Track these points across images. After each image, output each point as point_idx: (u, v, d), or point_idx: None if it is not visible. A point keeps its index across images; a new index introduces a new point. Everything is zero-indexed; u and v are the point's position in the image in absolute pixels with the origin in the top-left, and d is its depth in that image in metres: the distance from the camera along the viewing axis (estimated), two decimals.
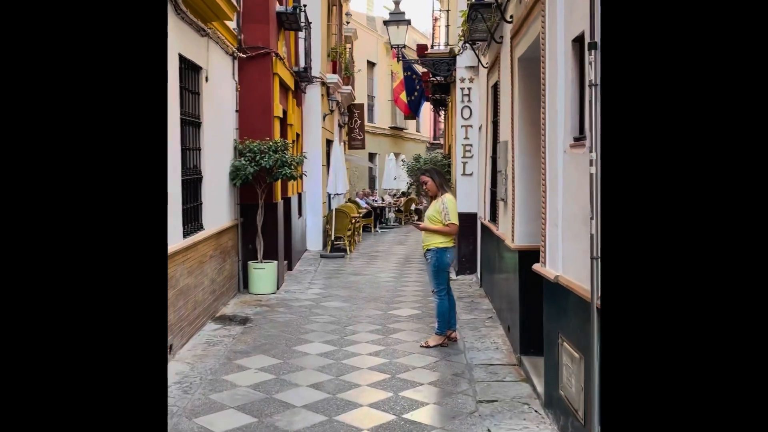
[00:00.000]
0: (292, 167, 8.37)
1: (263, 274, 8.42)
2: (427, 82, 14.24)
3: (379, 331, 6.50)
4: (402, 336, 6.32)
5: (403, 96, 17.48)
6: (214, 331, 6.42)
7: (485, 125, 8.07)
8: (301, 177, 8.72)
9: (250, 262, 8.49)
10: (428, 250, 5.86)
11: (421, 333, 6.43)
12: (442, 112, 18.71)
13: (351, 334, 6.41)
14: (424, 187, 6.03)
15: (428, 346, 5.83)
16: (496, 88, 7.12)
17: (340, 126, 17.37)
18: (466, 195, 9.89)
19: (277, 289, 8.74)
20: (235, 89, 8.42)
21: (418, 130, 29.85)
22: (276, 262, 8.65)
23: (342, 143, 14.70)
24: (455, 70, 10.05)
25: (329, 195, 14.27)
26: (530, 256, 4.99)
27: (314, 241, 13.71)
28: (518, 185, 5.19)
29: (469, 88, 9.78)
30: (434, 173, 5.95)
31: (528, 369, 4.94)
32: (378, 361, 5.44)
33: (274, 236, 8.86)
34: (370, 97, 24.39)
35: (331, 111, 14.50)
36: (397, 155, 22.42)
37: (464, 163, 9.87)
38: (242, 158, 8.17)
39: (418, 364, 5.36)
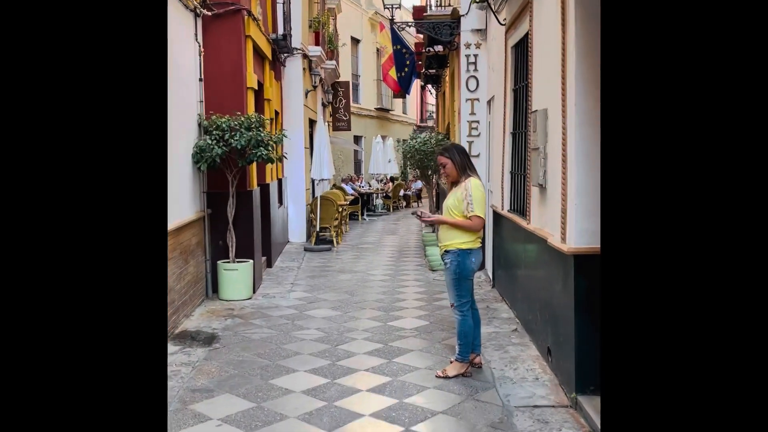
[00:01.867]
0: (269, 148, 6.94)
1: (236, 276, 7.01)
2: (420, 54, 12.82)
3: (381, 353, 5.15)
4: (410, 360, 4.97)
5: (393, 72, 15.97)
6: (169, 357, 5.02)
7: (502, 95, 6.71)
8: (280, 160, 7.32)
9: (219, 263, 7.09)
10: (447, 251, 4.50)
11: (433, 354, 5.09)
12: (433, 91, 17.30)
13: (345, 357, 5.05)
14: (442, 171, 4.65)
15: (447, 377, 4.49)
16: (522, 47, 5.75)
17: (323, 105, 15.90)
18: None
19: (254, 293, 7.36)
20: (198, 53, 6.95)
21: (404, 112, 28.42)
22: (251, 261, 7.24)
23: (326, 124, 13.31)
24: (459, 34, 8.66)
25: (313, 181, 12.85)
26: (592, 263, 3.67)
27: (297, 232, 12.31)
28: (575, 166, 3.84)
29: (475, 56, 8.41)
30: (455, 152, 4.57)
31: (591, 416, 3.63)
32: (383, 402, 4.09)
33: (249, 230, 7.45)
34: (355, 76, 22.88)
35: (314, 87, 13.03)
36: (384, 138, 21.00)
37: (470, 143, 8.53)
38: (208, 137, 6.73)
39: (437, 407, 4.01)
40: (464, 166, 4.52)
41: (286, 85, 11.94)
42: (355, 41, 23.03)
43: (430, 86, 17.24)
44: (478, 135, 8.48)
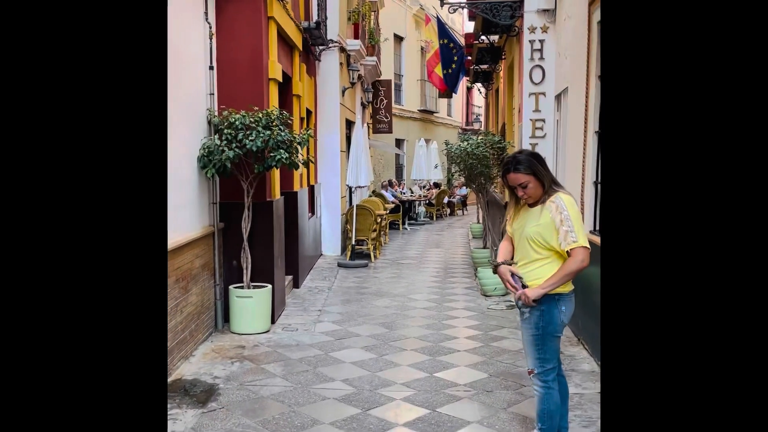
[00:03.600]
0: (292, 150, 5.72)
1: (250, 305, 5.81)
2: (470, 47, 11.47)
3: (426, 424, 3.84)
4: None
5: (438, 69, 14.68)
6: None
7: (582, 85, 5.32)
8: (306, 164, 6.10)
9: (232, 288, 5.90)
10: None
11: (499, 422, 3.76)
12: (482, 90, 15.92)
13: (378, 430, 3.76)
14: (522, 193, 3.24)
15: None
16: None
17: (362, 105, 14.69)
18: None
19: (273, 323, 6.15)
20: (209, 36, 5.79)
21: (449, 114, 27.04)
22: (269, 286, 6.03)
23: (365, 125, 12.12)
24: (521, 17, 7.30)
25: (350, 188, 11.65)
26: None
27: (331, 245, 11.11)
28: None
29: (541, 41, 7.04)
30: (536, 163, 3.16)
31: None
32: None
33: (268, 248, 6.25)
34: (398, 76, 21.64)
35: (352, 84, 11.81)
36: (427, 141, 19.69)
37: (533, 146, 7.15)
38: (218, 137, 5.56)
39: None
40: (551, 180, 3.17)
41: (320, 82, 10.77)
42: (398, 39, 21.79)
43: (478, 85, 15.83)
44: (544, 136, 7.10)
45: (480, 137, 8.22)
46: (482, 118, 28.96)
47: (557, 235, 3.03)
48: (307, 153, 8.95)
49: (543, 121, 7.08)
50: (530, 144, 7.16)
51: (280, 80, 6.75)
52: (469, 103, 29.47)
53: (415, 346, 5.53)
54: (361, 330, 6.07)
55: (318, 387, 4.49)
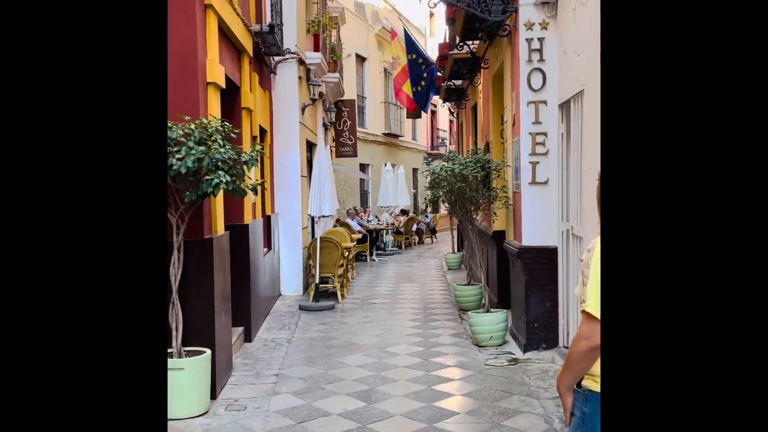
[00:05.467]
0: (236, 171, 4.35)
1: (182, 380, 4.34)
2: (444, 59, 10.32)
3: None
4: None
5: (407, 87, 13.52)
6: None
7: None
8: (255, 190, 4.71)
9: None
10: (578, 389, 1.98)
11: None
12: (454, 110, 14.81)
13: None
14: None
15: None
16: None
17: (325, 126, 13.41)
18: (537, 218, 5.94)
19: (214, 397, 4.70)
20: None
21: (414, 138, 25.98)
22: (208, 352, 4.59)
23: (328, 148, 10.82)
24: (515, 11, 6.14)
25: (312, 218, 10.28)
26: None
27: (292, 283, 9.69)
28: None
29: (540, 39, 5.88)
30: None
31: None
32: None
33: (207, 298, 4.81)
34: (361, 98, 20.48)
35: (313, 101, 10.52)
36: (393, 166, 18.50)
37: (533, 165, 5.94)
38: None
39: None
40: None
41: (277, 97, 9.45)
42: (361, 59, 20.67)
43: (449, 105, 14.72)
44: (546, 153, 5.90)
45: (468, 156, 6.97)
46: (447, 142, 28.05)
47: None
48: (261, 176, 7.58)
49: (545, 135, 5.88)
50: (529, 163, 5.95)
51: (223, 86, 5.39)
52: (434, 127, 28.54)
53: (404, 430, 4.15)
54: (331, 405, 4.65)
55: None
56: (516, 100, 6.15)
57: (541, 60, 5.88)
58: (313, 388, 5.06)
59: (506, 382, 5.13)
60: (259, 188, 4.75)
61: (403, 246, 17.98)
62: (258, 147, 4.55)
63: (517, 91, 6.06)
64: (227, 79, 5.71)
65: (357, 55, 20.01)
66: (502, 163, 6.66)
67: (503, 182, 6.90)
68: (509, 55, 6.50)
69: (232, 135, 4.56)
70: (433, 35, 26.09)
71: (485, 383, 5.13)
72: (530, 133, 5.92)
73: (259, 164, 7.61)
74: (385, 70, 21.90)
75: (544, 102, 5.88)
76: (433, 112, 27.51)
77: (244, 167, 4.43)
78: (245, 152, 4.63)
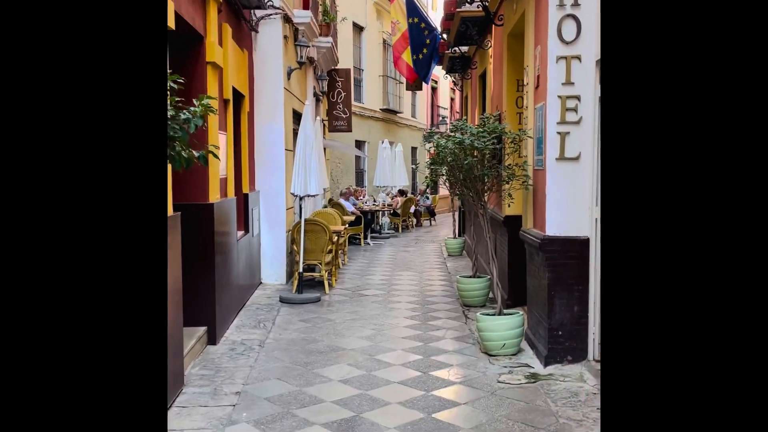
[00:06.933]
0: (174, 135, 3.21)
1: None
2: (450, 19, 9.10)
3: None
4: None
5: (407, 55, 12.30)
6: None
7: None
8: (204, 159, 3.57)
9: None
10: None
11: None
12: (458, 81, 13.58)
13: None
14: None
15: None
16: None
17: (316, 96, 12.21)
18: (565, 203, 4.82)
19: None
20: None
21: (413, 116, 24.73)
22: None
23: (318, 119, 9.64)
24: None
25: (298, 197, 9.15)
26: None
27: (274, 270, 8.60)
28: None
29: None
30: None
31: None
32: None
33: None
34: (358, 70, 19.22)
35: (301, 64, 9.32)
36: (392, 143, 17.32)
37: (562, 137, 4.80)
38: None
39: None
40: None
41: (258, 59, 8.28)
42: (358, 29, 19.38)
43: (453, 77, 13.48)
44: (578, 121, 4.76)
45: (477, 124, 5.80)
46: (448, 120, 26.74)
47: None
48: (235, 146, 6.43)
49: (577, 98, 4.73)
50: (557, 133, 4.81)
51: (174, 28, 4.22)
52: (434, 104, 27.27)
53: None
54: None
55: None
56: (542, 56, 4.99)
57: (576, 5, 4.71)
58: (282, 415, 3.97)
59: (526, 409, 4.05)
60: (211, 157, 3.60)
61: (400, 229, 16.89)
62: (204, 101, 3.38)
63: (544, 45, 4.89)
64: (182, 21, 4.54)
65: (354, 24, 18.73)
66: (522, 134, 5.50)
67: (519, 158, 5.75)
68: (533, 2, 5.32)
69: (174, 85, 3.41)
70: (435, 9, 24.68)
71: (500, 410, 4.04)
72: (559, 96, 4.77)
73: (230, 132, 6.43)
74: (384, 41, 20.62)
75: (578, 57, 4.73)
76: (434, 89, 26.23)
77: (186, 129, 3.27)
78: (194, 108, 3.48)
